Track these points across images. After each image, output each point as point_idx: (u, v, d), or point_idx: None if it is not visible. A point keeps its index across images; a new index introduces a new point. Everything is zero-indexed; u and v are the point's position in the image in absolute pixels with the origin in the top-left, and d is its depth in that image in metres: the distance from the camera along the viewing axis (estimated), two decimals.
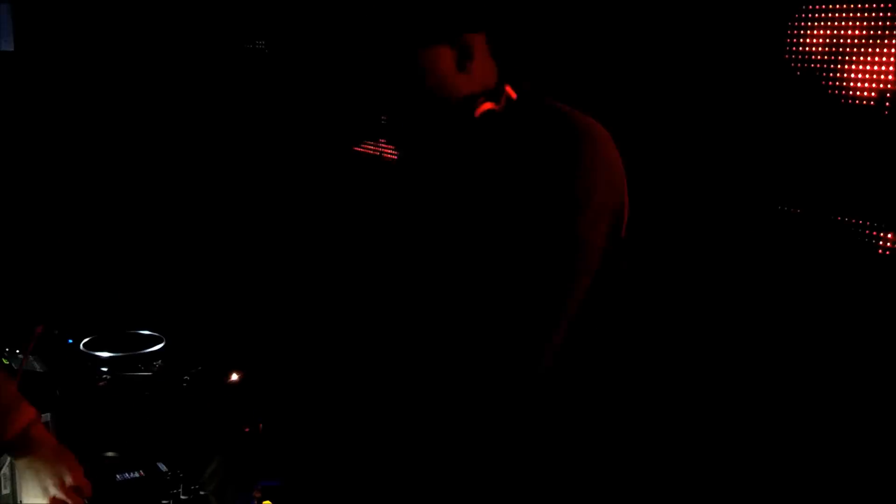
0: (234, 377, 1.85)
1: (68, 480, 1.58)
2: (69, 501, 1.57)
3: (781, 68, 1.90)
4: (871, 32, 1.73)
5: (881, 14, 1.70)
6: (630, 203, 1.48)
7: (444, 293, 1.42)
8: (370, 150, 3.53)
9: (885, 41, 1.70)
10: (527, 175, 1.35)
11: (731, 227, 2.06)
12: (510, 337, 1.33)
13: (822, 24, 1.82)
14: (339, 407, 1.48)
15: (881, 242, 1.77)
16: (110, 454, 1.75)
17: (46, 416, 1.86)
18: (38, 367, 2.15)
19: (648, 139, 2.11)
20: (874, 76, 1.73)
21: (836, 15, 1.79)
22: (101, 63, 4.28)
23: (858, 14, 1.75)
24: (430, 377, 1.38)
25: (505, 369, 1.34)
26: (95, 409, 1.95)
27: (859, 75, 1.76)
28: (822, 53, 1.83)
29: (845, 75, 1.79)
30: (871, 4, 1.72)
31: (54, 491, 1.57)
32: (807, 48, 1.86)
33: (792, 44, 1.88)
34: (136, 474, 1.68)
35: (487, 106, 1.44)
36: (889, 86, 1.70)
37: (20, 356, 2.18)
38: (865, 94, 1.75)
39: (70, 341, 2.29)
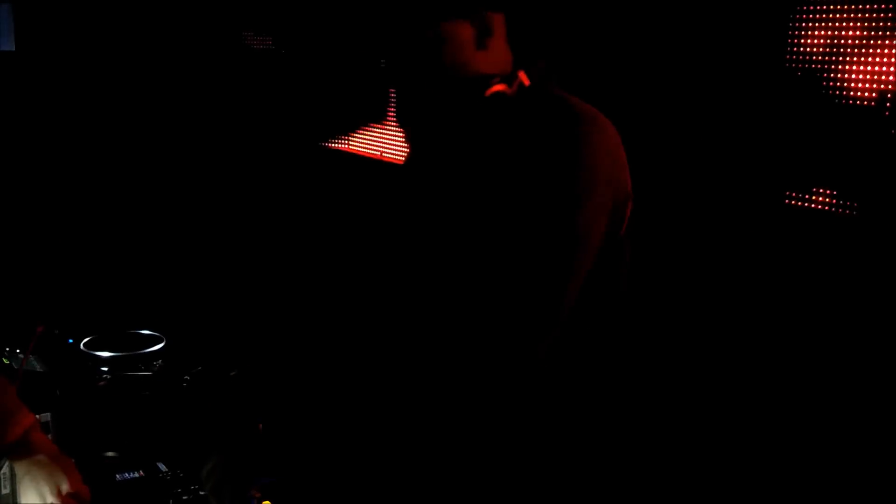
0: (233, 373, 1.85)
1: (65, 487, 1.57)
2: None
3: (782, 68, 1.90)
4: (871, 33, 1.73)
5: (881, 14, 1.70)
6: (633, 198, 1.48)
7: (443, 282, 1.42)
8: (370, 150, 3.53)
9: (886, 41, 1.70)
10: (528, 164, 1.35)
11: (730, 223, 2.06)
12: (508, 326, 1.33)
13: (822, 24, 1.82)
14: (339, 404, 1.48)
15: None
16: (110, 454, 1.75)
17: (46, 416, 1.86)
18: (38, 367, 2.15)
19: (650, 137, 2.11)
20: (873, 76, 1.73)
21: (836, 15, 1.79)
22: (102, 63, 4.28)
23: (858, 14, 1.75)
24: (430, 370, 1.38)
25: (502, 360, 1.34)
26: (95, 408, 1.95)
27: (859, 75, 1.76)
28: (822, 53, 1.83)
29: (844, 75, 1.79)
30: (870, 5, 1.72)
31: (52, 498, 1.56)
32: (807, 48, 1.86)
33: (792, 44, 1.88)
34: (136, 474, 1.68)
35: (499, 87, 1.45)
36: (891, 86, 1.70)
37: (20, 356, 2.18)
38: (865, 94, 1.76)
39: (70, 341, 2.29)
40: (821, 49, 1.83)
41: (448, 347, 1.36)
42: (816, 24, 1.83)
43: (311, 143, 3.78)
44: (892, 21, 1.69)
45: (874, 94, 1.74)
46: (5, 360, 2.18)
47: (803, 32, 1.85)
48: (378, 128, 3.47)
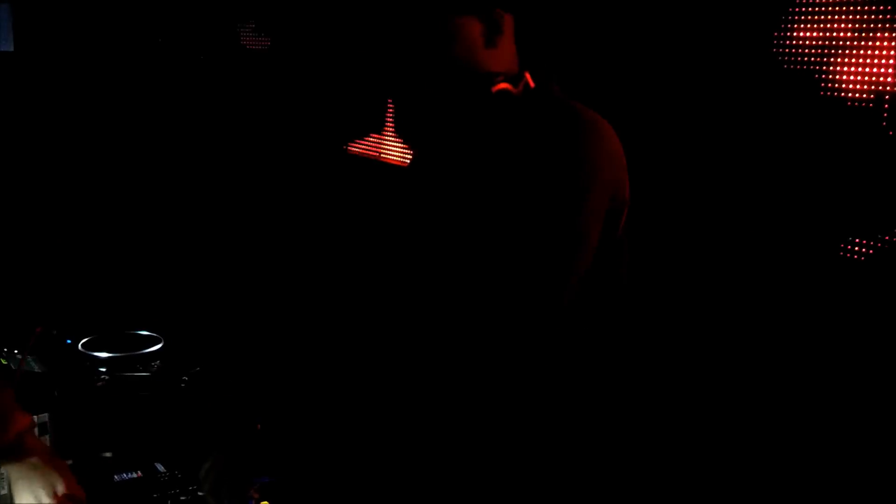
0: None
1: (60, 489, 1.57)
2: None
3: (772, 65, 1.91)
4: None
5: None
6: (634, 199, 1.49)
7: (444, 279, 1.42)
8: (370, 151, 3.53)
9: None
10: (529, 164, 1.36)
11: (731, 223, 2.06)
12: (508, 322, 1.33)
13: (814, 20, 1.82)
14: (337, 404, 1.48)
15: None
16: (108, 454, 1.75)
17: (44, 417, 1.86)
18: (36, 368, 2.15)
19: (647, 136, 2.11)
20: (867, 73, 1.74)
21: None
22: (101, 63, 4.28)
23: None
24: (430, 369, 1.39)
25: (503, 356, 1.35)
26: (94, 409, 1.95)
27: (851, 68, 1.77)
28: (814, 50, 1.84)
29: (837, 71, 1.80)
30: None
31: (47, 499, 1.56)
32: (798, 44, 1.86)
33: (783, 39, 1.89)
34: (134, 475, 1.68)
35: (505, 86, 1.45)
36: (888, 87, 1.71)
37: (19, 356, 2.18)
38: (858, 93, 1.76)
39: (68, 341, 2.29)
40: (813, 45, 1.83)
41: (448, 344, 1.36)
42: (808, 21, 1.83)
43: (311, 144, 3.78)
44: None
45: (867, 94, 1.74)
46: (3, 361, 2.18)
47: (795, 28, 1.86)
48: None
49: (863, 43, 1.74)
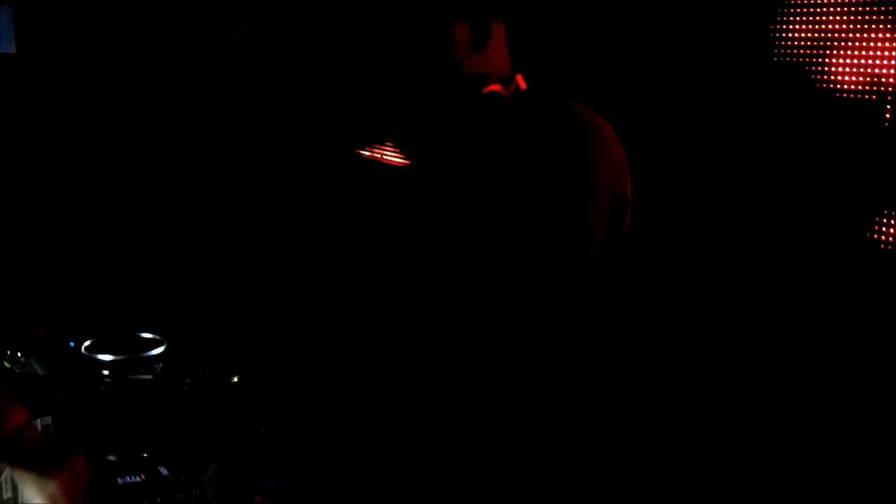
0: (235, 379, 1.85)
1: (65, 482, 1.57)
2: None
3: (769, 61, 1.91)
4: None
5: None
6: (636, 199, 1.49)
7: (447, 281, 1.42)
8: (371, 153, 3.53)
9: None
10: (529, 165, 1.35)
11: (732, 225, 2.06)
12: (512, 323, 1.33)
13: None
14: (340, 408, 1.48)
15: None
16: (111, 457, 1.75)
17: (47, 420, 1.86)
18: (39, 370, 2.15)
19: (644, 135, 2.11)
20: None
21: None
22: (104, 65, 4.28)
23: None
24: (432, 372, 1.38)
25: (506, 354, 1.35)
26: (97, 412, 1.95)
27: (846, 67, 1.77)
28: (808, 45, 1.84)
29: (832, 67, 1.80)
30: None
31: (57, 492, 1.56)
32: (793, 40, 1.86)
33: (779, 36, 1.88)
34: (138, 478, 1.68)
35: (495, 88, 1.46)
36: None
37: (22, 359, 2.18)
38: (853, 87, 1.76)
39: (71, 344, 2.28)
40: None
41: (452, 345, 1.36)
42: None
43: (311, 145, 3.78)
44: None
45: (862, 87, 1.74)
46: (7, 364, 2.18)
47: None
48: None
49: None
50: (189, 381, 2.11)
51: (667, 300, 2.16)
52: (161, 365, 2.22)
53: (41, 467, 1.57)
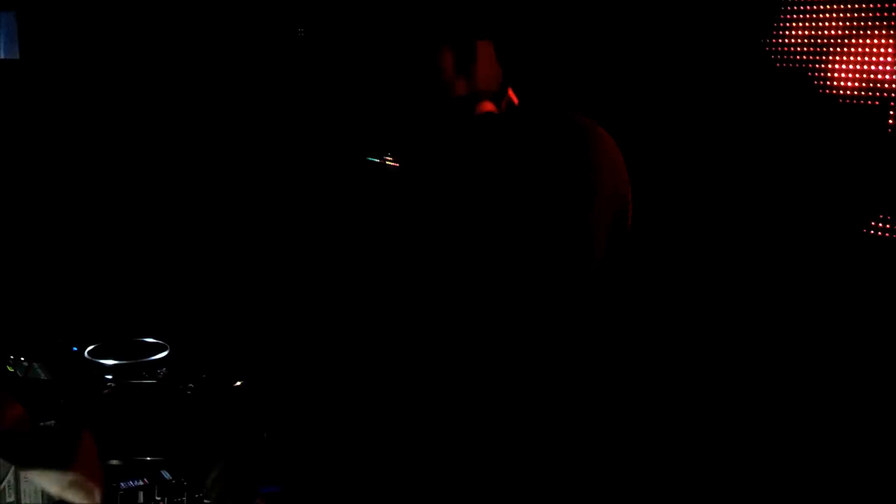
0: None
1: (74, 473, 1.57)
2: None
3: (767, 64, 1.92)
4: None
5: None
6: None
7: (450, 290, 1.42)
8: (373, 156, 3.53)
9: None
10: (529, 176, 1.35)
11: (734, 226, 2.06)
12: (515, 329, 1.33)
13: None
14: (344, 412, 1.48)
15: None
16: (114, 462, 1.75)
17: (50, 424, 1.86)
18: (42, 375, 2.16)
19: (644, 139, 2.12)
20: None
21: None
22: (108, 71, 4.29)
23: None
24: (434, 376, 1.39)
25: (508, 361, 1.35)
26: (100, 416, 1.95)
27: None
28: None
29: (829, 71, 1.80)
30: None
31: (71, 477, 1.56)
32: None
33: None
34: (140, 482, 1.68)
35: (487, 107, 1.46)
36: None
37: (25, 364, 2.18)
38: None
39: (75, 349, 2.29)
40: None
41: (456, 350, 1.36)
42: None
43: (314, 151, 3.78)
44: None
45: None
46: (10, 369, 2.18)
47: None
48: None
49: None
50: (192, 385, 2.11)
51: (667, 301, 2.17)
52: (164, 369, 2.23)
53: (54, 457, 1.57)
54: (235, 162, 4.11)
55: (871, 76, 1.73)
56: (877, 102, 1.74)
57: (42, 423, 1.80)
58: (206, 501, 1.61)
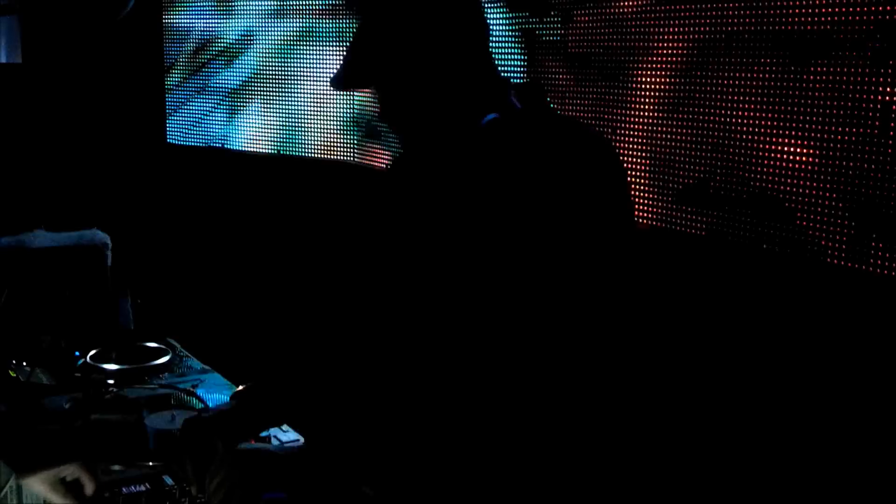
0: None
1: (70, 475, 1.59)
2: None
3: None
4: None
5: None
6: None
7: (453, 296, 1.41)
8: (374, 161, 3.54)
9: None
10: (535, 184, 1.34)
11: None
12: (519, 336, 1.33)
13: None
14: (347, 417, 1.48)
15: None
16: (116, 467, 1.75)
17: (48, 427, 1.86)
18: (45, 380, 2.16)
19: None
20: None
21: None
22: (109, 75, 4.30)
23: None
24: (442, 378, 1.38)
25: (511, 368, 1.35)
26: (102, 421, 1.96)
27: None
28: None
29: None
30: None
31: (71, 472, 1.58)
32: None
33: None
34: (142, 487, 1.69)
35: (490, 116, 1.44)
36: None
37: (27, 368, 2.19)
38: None
39: (76, 353, 2.29)
40: None
41: (462, 354, 1.36)
42: None
43: (314, 152, 3.79)
44: None
45: None
46: (12, 373, 2.19)
47: None
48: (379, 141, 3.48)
49: None
50: (194, 389, 2.12)
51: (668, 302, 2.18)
52: (165, 374, 2.23)
53: (46, 458, 1.58)
54: (237, 163, 4.12)
55: None
56: None
57: (40, 427, 1.80)
58: None
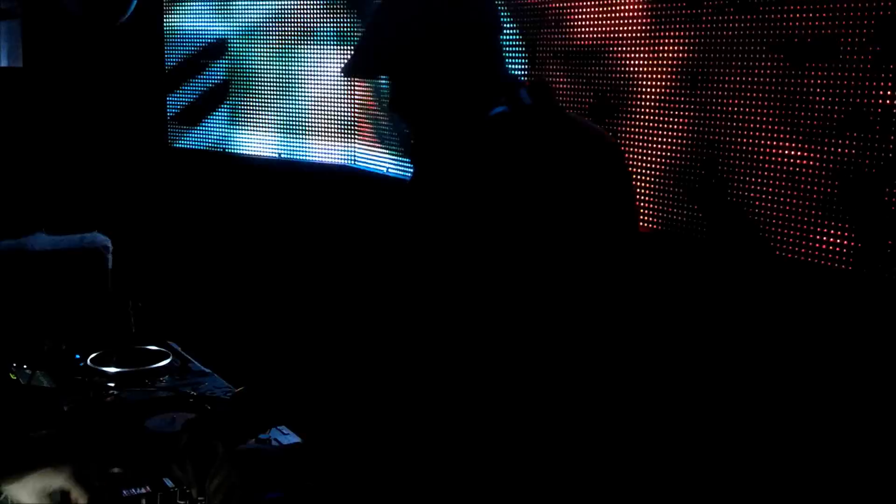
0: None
1: (57, 485, 1.58)
2: None
3: None
4: None
5: None
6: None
7: (453, 294, 1.41)
8: (377, 166, 3.54)
9: None
10: (541, 181, 1.34)
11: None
12: (519, 337, 1.33)
13: None
14: (348, 418, 1.48)
15: None
16: (116, 469, 1.75)
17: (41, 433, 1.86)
18: (45, 383, 2.16)
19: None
20: None
21: None
22: (110, 78, 4.31)
23: None
24: (440, 381, 1.38)
25: (511, 371, 1.35)
26: (102, 424, 1.95)
27: None
28: None
29: None
30: None
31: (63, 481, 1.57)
32: None
33: None
34: (143, 489, 1.68)
35: (499, 108, 1.44)
36: None
37: (28, 371, 2.19)
38: None
39: (77, 357, 2.29)
40: None
41: (464, 355, 1.36)
42: None
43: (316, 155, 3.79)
44: None
45: None
46: (13, 376, 2.19)
47: None
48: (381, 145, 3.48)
49: None
50: (194, 393, 2.12)
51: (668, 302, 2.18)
52: (166, 377, 2.23)
53: (33, 464, 1.58)
54: (238, 165, 4.12)
55: None
56: None
57: (32, 433, 1.80)
58: None
